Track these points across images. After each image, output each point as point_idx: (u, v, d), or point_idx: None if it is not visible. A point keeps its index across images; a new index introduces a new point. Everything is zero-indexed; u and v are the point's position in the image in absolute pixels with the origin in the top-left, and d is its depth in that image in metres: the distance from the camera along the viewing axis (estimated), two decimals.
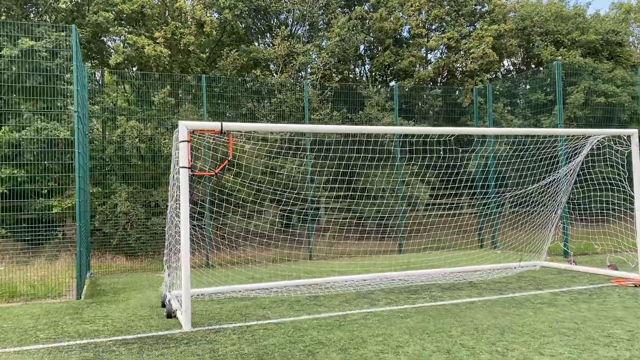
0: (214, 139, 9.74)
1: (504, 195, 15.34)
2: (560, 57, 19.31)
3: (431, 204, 17.54)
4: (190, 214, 7.36)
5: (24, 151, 14.01)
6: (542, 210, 13.01)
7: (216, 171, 7.54)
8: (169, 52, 15.44)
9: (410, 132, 12.72)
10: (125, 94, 15.69)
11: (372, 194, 17.21)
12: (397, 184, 16.91)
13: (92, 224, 14.80)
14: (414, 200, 17.61)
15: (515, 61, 21.82)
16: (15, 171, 14.00)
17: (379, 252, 15.80)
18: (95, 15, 15.20)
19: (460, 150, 16.26)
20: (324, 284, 10.33)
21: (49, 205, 14.46)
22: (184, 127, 7.39)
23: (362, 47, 19.34)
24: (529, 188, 12.40)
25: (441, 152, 16.69)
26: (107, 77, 18.40)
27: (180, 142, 7.37)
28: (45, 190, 14.69)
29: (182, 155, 7.33)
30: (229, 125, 7.59)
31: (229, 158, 7.56)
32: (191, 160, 7.43)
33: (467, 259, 13.50)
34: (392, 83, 19.47)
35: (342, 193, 16.43)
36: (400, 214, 16.50)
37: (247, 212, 14.82)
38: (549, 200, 12.83)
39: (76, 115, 9.83)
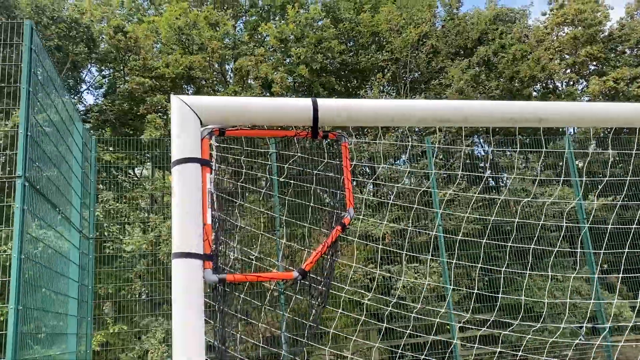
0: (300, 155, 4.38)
1: None
2: None
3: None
4: None
5: None
6: None
7: (305, 266, 2.04)
8: None
9: None
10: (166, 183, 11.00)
11: (536, 313, 11.00)
12: (581, 295, 10.65)
13: None
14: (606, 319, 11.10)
15: None
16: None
17: None
18: (127, 84, 11.09)
19: None
20: None
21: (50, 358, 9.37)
22: (187, 111, 2.12)
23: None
24: None
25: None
26: (168, 179, 14.05)
27: (176, 164, 2.08)
28: (42, 335, 9.73)
29: (177, 210, 2.01)
30: (334, 107, 2.27)
31: (349, 216, 2.12)
32: (212, 241, 2.06)
33: None
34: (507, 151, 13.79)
35: (489, 316, 10.41)
36: (605, 343, 10.00)
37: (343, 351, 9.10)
38: None
39: (20, 183, 4.90)
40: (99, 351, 9.58)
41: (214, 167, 2.24)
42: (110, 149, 11.11)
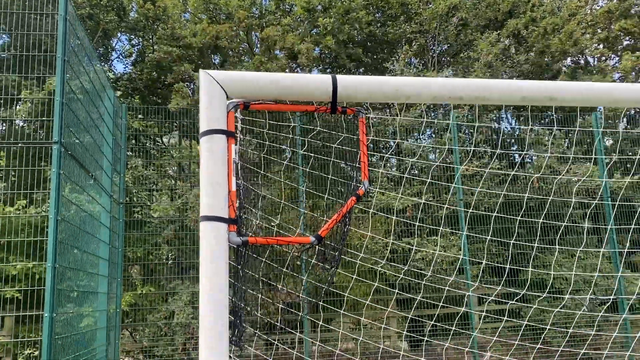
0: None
1: None
2: None
3: None
4: None
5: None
6: None
7: (321, 232, 2.20)
8: None
9: None
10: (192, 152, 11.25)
11: (555, 289, 11.07)
12: (602, 272, 10.66)
13: (140, 342, 9.96)
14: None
15: None
16: (32, 265, 9.63)
17: None
18: (155, 53, 11.27)
19: None
20: None
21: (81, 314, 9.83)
22: (214, 85, 2.26)
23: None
24: None
25: None
26: (197, 148, 14.34)
27: (204, 135, 2.24)
28: (76, 293, 10.16)
29: (205, 178, 2.18)
30: (353, 83, 2.38)
31: (364, 188, 2.27)
32: (237, 206, 2.23)
33: None
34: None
35: (506, 289, 10.50)
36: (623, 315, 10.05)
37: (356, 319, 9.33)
38: None
39: (57, 149, 5.13)
40: (127, 311, 9.98)
41: (238, 139, 2.40)
42: (140, 116, 11.37)
